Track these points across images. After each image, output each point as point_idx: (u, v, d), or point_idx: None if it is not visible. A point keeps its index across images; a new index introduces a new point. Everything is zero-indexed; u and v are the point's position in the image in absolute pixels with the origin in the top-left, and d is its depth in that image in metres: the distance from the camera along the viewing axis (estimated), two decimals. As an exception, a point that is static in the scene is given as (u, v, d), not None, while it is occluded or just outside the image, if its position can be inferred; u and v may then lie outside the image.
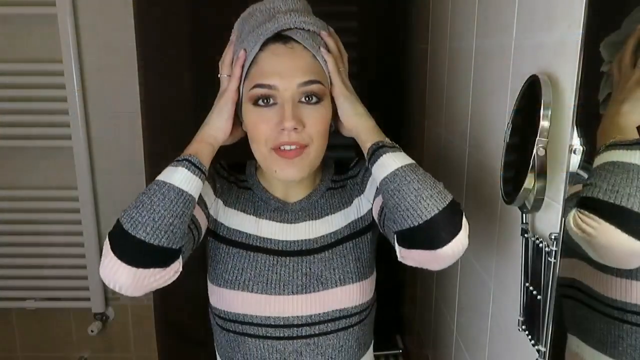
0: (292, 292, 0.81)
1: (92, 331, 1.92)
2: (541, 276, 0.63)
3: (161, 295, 1.62)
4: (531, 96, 0.63)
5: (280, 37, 0.75)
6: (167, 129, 1.49)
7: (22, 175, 1.84)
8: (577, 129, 0.56)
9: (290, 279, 0.82)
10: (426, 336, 1.41)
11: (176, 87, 1.50)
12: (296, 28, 0.76)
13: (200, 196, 0.80)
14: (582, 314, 0.60)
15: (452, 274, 1.13)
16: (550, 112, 0.58)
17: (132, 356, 2.03)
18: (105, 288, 1.92)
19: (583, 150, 0.56)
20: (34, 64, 1.73)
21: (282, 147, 0.75)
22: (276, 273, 0.82)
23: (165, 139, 1.51)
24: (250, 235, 0.84)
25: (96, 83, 1.75)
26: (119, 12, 1.67)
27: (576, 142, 0.56)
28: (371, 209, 0.86)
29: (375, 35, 1.48)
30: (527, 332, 0.69)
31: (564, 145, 0.59)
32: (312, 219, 0.86)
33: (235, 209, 0.86)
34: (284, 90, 0.73)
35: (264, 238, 0.84)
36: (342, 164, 0.93)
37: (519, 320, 0.71)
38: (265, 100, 0.75)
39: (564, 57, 0.59)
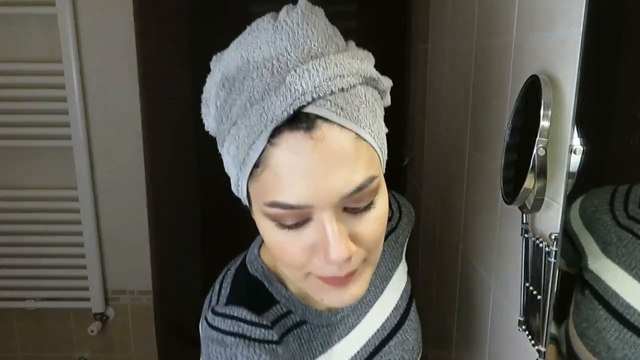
0: None
1: (92, 331, 1.91)
2: (541, 276, 0.63)
3: (161, 295, 1.62)
4: (531, 96, 0.62)
5: (299, 118, 0.46)
6: (167, 129, 1.49)
7: (22, 175, 1.84)
8: (577, 129, 0.56)
9: None
10: (426, 336, 1.40)
11: (176, 87, 1.50)
12: (322, 96, 0.46)
13: None
14: None
15: (452, 274, 1.13)
16: (550, 112, 0.58)
17: (132, 356, 2.03)
18: (105, 288, 1.92)
19: (583, 150, 0.56)
20: (34, 64, 1.73)
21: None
22: None
23: (165, 139, 1.51)
24: None
25: (96, 83, 1.75)
26: (119, 12, 1.67)
27: (576, 142, 0.56)
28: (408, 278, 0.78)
29: (375, 35, 1.48)
30: (527, 332, 0.69)
31: (564, 145, 0.59)
32: (370, 306, 0.70)
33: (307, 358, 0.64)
34: (321, 208, 0.48)
35: None
36: None
37: (519, 320, 0.71)
38: (293, 222, 0.49)
39: (564, 57, 0.59)
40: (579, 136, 0.56)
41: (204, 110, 0.56)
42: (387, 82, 0.56)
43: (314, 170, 0.46)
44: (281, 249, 0.51)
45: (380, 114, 0.54)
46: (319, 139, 0.46)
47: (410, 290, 0.77)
